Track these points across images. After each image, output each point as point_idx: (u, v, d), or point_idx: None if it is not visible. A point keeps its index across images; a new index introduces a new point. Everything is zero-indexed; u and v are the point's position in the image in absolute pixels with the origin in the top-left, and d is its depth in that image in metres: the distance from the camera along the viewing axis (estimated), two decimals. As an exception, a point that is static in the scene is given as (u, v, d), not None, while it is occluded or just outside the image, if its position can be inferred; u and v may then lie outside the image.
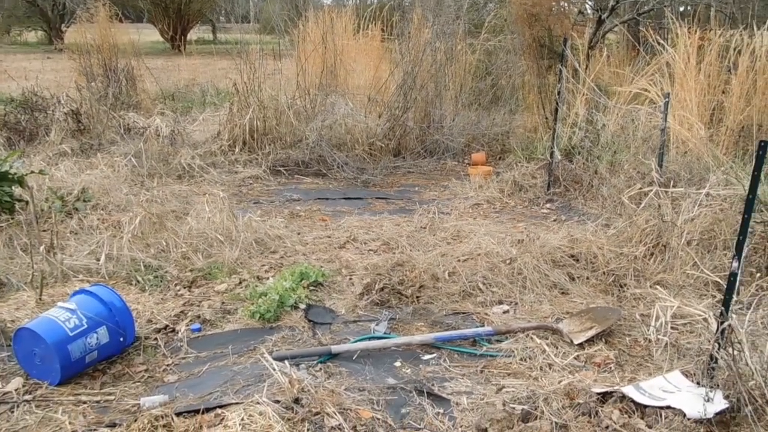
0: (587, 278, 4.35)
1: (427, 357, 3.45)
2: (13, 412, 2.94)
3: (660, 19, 9.24)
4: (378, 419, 2.81)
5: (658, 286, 4.09)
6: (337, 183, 7.32)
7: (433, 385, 3.13)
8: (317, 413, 2.76)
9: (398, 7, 9.88)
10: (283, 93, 8.43)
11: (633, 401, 2.85)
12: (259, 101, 8.03)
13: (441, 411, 2.91)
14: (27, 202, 5.32)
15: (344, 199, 6.67)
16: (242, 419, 2.68)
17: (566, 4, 9.55)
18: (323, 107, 8.24)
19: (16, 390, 3.10)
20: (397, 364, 3.36)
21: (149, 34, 22.51)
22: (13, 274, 4.30)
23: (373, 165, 7.69)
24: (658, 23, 9.10)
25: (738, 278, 2.86)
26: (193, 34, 29.16)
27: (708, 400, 2.77)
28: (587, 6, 10.16)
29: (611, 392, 2.93)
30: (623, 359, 3.42)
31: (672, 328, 3.60)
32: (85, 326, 3.25)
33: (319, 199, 6.63)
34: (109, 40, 10.20)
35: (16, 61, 18.81)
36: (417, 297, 4.12)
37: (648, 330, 3.64)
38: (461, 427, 2.80)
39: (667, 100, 5.58)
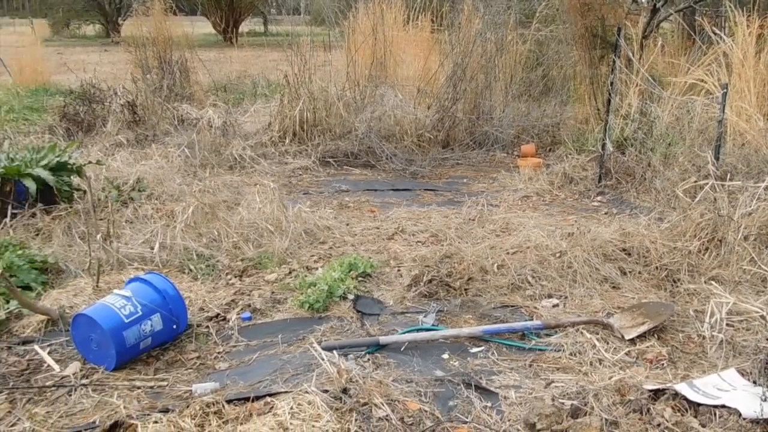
0: (639, 273, 4.25)
1: (475, 350, 3.43)
2: (71, 395, 3.02)
3: (717, 8, 8.94)
4: (425, 411, 2.80)
5: (713, 282, 3.97)
6: (385, 174, 7.32)
7: (481, 378, 3.11)
8: (365, 404, 2.78)
9: (448, -2, 9.80)
10: (333, 84, 8.47)
11: (686, 399, 2.78)
12: (309, 93, 8.08)
13: (489, 404, 2.89)
14: (85, 192, 5.49)
15: (392, 190, 6.67)
16: (291, 408, 2.70)
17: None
18: (372, 98, 8.25)
19: (74, 374, 3.19)
20: (445, 356, 3.35)
21: (202, 27, 22.89)
22: (71, 261, 4.43)
23: (422, 156, 7.67)
24: (715, 11, 8.81)
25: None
26: (244, 27, 29.59)
27: (765, 400, 2.67)
28: (642, -6, 9.89)
29: (664, 389, 2.86)
30: (676, 356, 3.33)
31: (727, 325, 3.50)
32: (140, 313, 3.32)
33: (367, 190, 6.65)
34: (164, 33, 10.41)
35: (75, 54, 19.38)
36: (465, 289, 4.09)
37: (702, 326, 3.53)
38: (509, 421, 2.78)
39: (724, 90, 5.40)
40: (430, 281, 4.10)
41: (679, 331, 3.58)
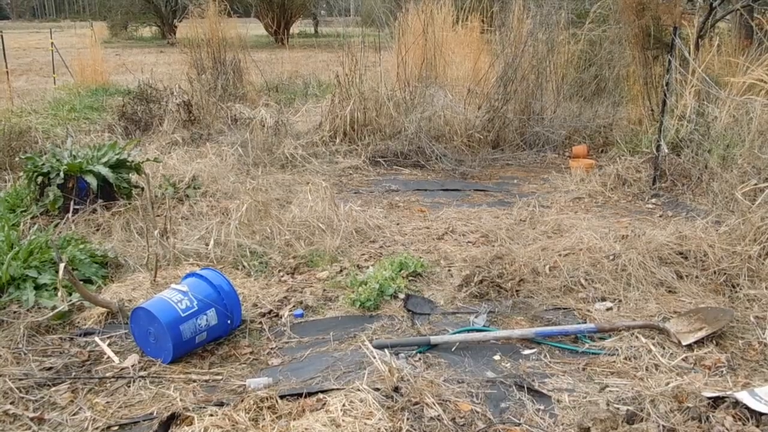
0: (696, 277, 4.14)
1: (527, 352, 3.40)
2: (129, 386, 3.10)
3: (777, 5, 8.67)
4: (477, 412, 2.80)
5: (774, 288, 3.85)
6: (435, 174, 7.32)
7: (533, 380, 3.09)
8: (416, 403, 2.78)
9: (498, -2, 9.74)
10: (383, 85, 8.51)
11: (747, 408, 2.69)
12: (359, 93, 8.14)
13: (541, 407, 2.87)
14: (143, 189, 5.64)
15: (442, 190, 6.66)
16: (343, 405, 2.72)
17: (676, -8, 9.10)
18: (422, 99, 8.25)
19: (132, 366, 3.27)
20: (497, 357, 3.33)
21: (254, 28, 23.22)
22: (130, 256, 4.56)
23: (472, 157, 7.64)
24: (774, 10, 8.54)
25: None
26: (295, 28, 29.92)
27: (829, 410, 2.60)
28: (698, -7, 9.64)
29: (723, 397, 2.78)
30: (736, 363, 3.24)
31: (790, 332, 3.39)
32: (196, 308, 3.38)
33: (417, 190, 6.65)
34: (218, 35, 10.62)
35: (132, 56, 19.94)
36: (516, 291, 4.06)
37: (764, 333, 3.43)
38: (563, 425, 2.75)
39: (786, 90, 5.23)
40: (480, 282, 4.08)
41: (738, 337, 3.48)
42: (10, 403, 2.93)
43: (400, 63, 8.70)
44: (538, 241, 4.75)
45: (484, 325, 3.68)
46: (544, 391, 3.00)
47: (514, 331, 3.52)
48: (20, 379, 3.11)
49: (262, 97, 10.19)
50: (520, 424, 2.75)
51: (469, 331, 3.59)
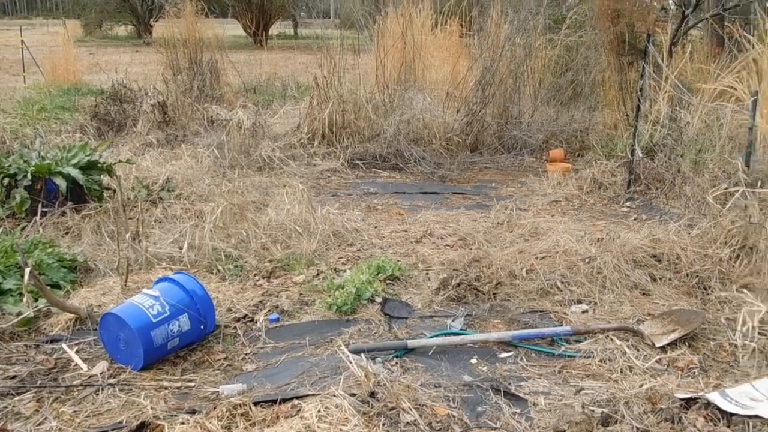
0: (669, 279, 4.19)
1: (503, 355, 3.40)
2: (98, 394, 3.01)
3: (747, 14, 8.82)
4: (453, 416, 2.79)
5: (744, 290, 3.89)
6: (413, 177, 7.32)
7: (509, 384, 3.09)
8: (393, 408, 2.77)
9: (477, 3, 9.78)
10: (362, 87, 8.50)
11: (719, 409, 2.73)
12: (338, 95, 8.13)
13: (518, 411, 2.87)
14: (115, 191, 5.54)
15: (421, 193, 6.67)
16: (318, 411, 2.69)
17: (650, 0, 9.24)
18: (401, 102, 8.26)
19: (101, 373, 3.18)
20: (473, 361, 3.33)
21: (233, 29, 23.10)
22: (100, 260, 4.45)
23: (450, 160, 7.66)
24: (744, 18, 8.69)
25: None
26: (274, 29, 29.81)
27: (799, 410, 2.64)
28: (671, 2, 9.81)
29: (695, 398, 2.81)
30: (708, 364, 3.28)
31: (760, 333, 3.41)
32: (168, 313, 3.32)
33: (395, 193, 6.65)
34: (195, 35, 10.52)
35: (107, 55, 19.68)
36: (494, 294, 4.07)
37: (734, 335, 3.47)
38: (538, 428, 2.75)
39: (755, 98, 5.32)
40: (458, 285, 4.08)
41: (710, 339, 3.52)
42: (-29, 414, 2.84)
43: (379, 66, 8.71)
44: (516, 244, 4.76)
45: (461, 329, 3.67)
46: (521, 395, 3.00)
47: (491, 335, 3.52)
48: (-18, 390, 3.02)
49: (239, 99, 10.13)
50: (496, 428, 2.75)
51: (446, 334, 3.58)
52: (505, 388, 3.03)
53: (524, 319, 3.80)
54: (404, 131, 7.81)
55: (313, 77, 8.34)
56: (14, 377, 3.15)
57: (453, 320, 3.77)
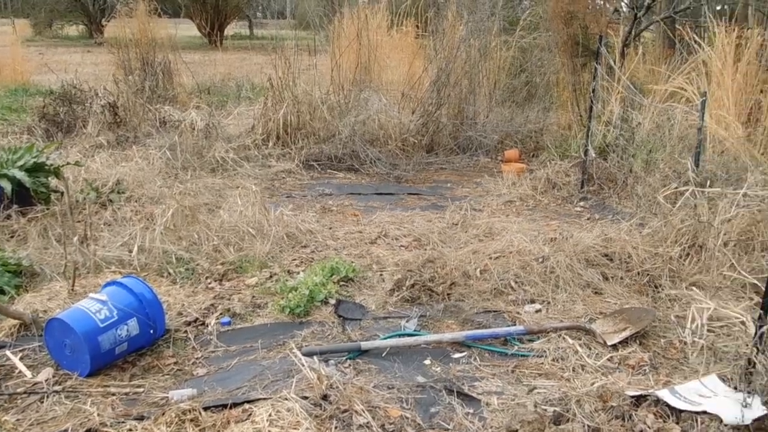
0: (621, 278, 4.25)
1: (457, 355, 3.40)
2: (42, 402, 2.95)
3: (697, 17, 9.04)
4: (407, 418, 2.77)
5: (693, 288, 3.98)
6: (369, 178, 7.31)
7: (463, 384, 3.09)
8: (345, 410, 2.75)
9: (433, 4, 9.83)
10: (318, 88, 8.46)
11: (668, 405, 2.77)
12: (293, 96, 8.07)
13: (471, 411, 2.87)
14: (62, 193, 5.40)
15: (376, 194, 6.65)
16: (270, 415, 2.66)
17: (602, 2, 9.42)
18: (357, 103, 8.23)
19: (46, 380, 3.12)
20: (427, 362, 3.32)
21: (187, 29, 22.77)
22: (47, 264, 4.35)
23: (406, 161, 7.67)
24: (695, 21, 8.90)
25: (777, 281, 2.76)
26: (230, 30, 29.51)
27: (746, 406, 2.68)
28: (623, 4, 10.00)
29: (646, 395, 2.85)
30: (658, 362, 3.33)
31: (708, 330, 3.50)
32: (116, 318, 3.26)
33: (351, 194, 6.62)
34: (148, 35, 10.35)
35: (57, 55, 19.20)
36: (448, 294, 4.07)
37: (683, 332, 3.53)
38: (491, 428, 2.75)
39: (703, 99, 5.45)
40: (412, 286, 4.07)
41: (660, 336, 3.58)
42: None
43: (334, 66, 8.67)
44: (470, 245, 4.78)
45: (415, 330, 3.66)
46: (474, 395, 3.00)
47: (445, 335, 3.52)
48: None
49: (192, 100, 9.96)
50: (449, 429, 2.75)
51: (400, 335, 3.57)
52: (459, 388, 3.03)
53: (478, 319, 3.81)
54: (360, 132, 7.78)
55: (267, 78, 8.26)
56: None
57: (407, 321, 3.76)
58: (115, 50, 10.43)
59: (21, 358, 3.31)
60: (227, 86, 12.27)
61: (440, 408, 2.89)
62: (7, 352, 3.36)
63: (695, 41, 7.02)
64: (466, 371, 3.24)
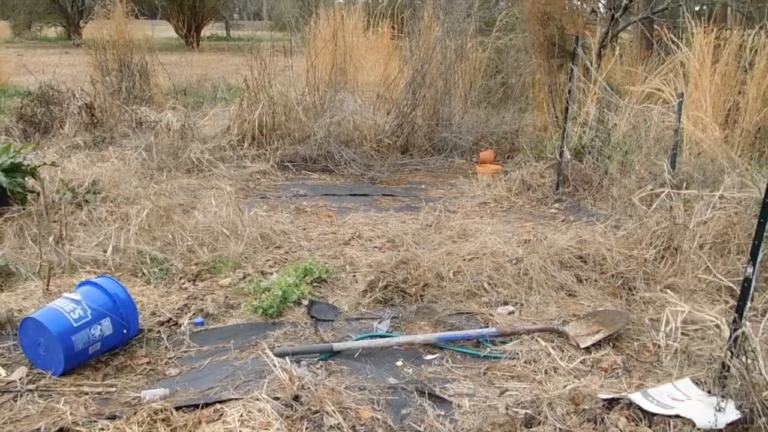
0: (595, 280, 4.27)
1: (429, 357, 3.41)
2: (16, 401, 2.95)
3: (675, 18, 9.13)
4: (377, 419, 2.77)
5: (668, 290, 3.98)
6: (344, 179, 7.31)
7: (434, 386, 3.09)
8: (316, 411, 2.74)
9: (409, 5, 9.84)
10: (293, 89, 8.44)
11: (640, 409, 2.78)
12: (269, 97, 8.04)
13: (442, 413, 2.87)
14: (38, 194, 5.37)
15: (350, 195, 6.65)
16: (241, 415, 2.66)
17: (579, 3, 9.47)
18: (332, 104, 8.23)
19: (20, 379, 3.12)
20: (399, 363, 3.32)
21: (164, 31, 22.61)
22: (22, 263, 4.34)
23: (381, 162, 7.67)
24: (672, 22, 8.98)
25: (753, 284, 2.76)
26: (206, 31, 29.39)
27: (719, 410, 2.70)
28: (600, 5, 10.08)
29: (618, 399, 2.87)
30: (631, 365, 3.34)
31: (682, 333, 3.50)
32: (90, 317, 3.27)
33: (325, 195, 6.62)
34: (125, 36, 10.29)
35: (36, 56, 19.09)
36: (421, 296, 4.07)
37: (657, 335, 3.54)
38: (462, 430, 2.75)
39: (680, 100, 5.46)
40: (385, 287, 4.07)
41: (634, 339, 3.59)
42: None
43: (310, 68, 8.65)
44: (444, 246, 4.79)
45: (387, 331, 3.66)
46: (445, 397, 3.00)
47: (417, 336, 3.52)
48: None
49: (169, 101, 9.90)
50: (420, 431, 2.74)
51: (372, 337, 3.57)
52: (430, 390, 3.03)
53: (451, 320, 3.81)
54: (335, 133, 7.78)
55: (243, 79, 8.23)
56: None
57: (379, 322, 3.76)
58: (93, 51, 10.38)
59: (-5, 358, 3.29)
60: (203, 87, 12.24)
61: (411, 410, 2.89)
62: (-20, 352, 3.34)
63: (673, 42, 7.04)
64: (438, 373, 3.25)
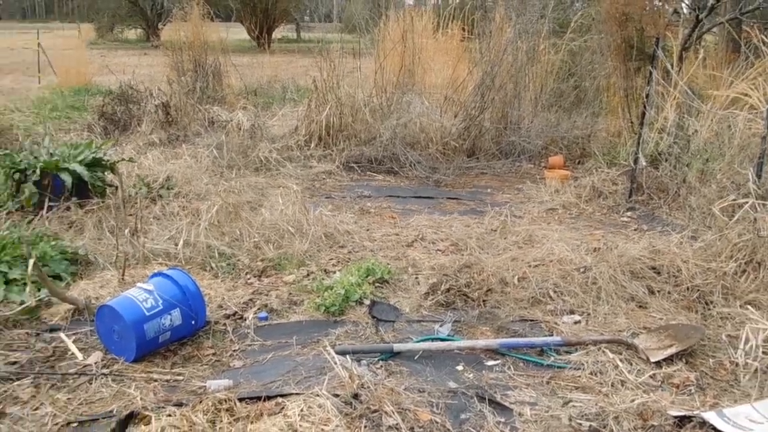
0: (669, 293, 4.07)
1: (490, 363, 3.34)
2: (91, 383, 3.07)
3: (766, 19, 8.68)
4: (436, 422, 2.73)
5: (749, 307, 3.76)
6: (408, 181, 7.28)
7: (495, 392, 3.03)
8: (375, 411, 2.73)
9: (480, 6, 9.75)
10: (361, 90, 8.48)
11: (714, 429, 2.64)
12: (336, 98, 8.11)
13: (502, 420, 2.80)
14: (117, 188, 5.62)
15: (415, 197, 6.61)
16: (301, 410, 2.67)
17: (661, 3, 9.13)
18: (399, 105, 8.22)
19: (95, 363, 3.25)
20: (459, 367, 3.27)
21: (237, 33, 23.22)
22: (100, 254, 4.52)
23: (446, 165, 7.61)
24: (763, 23, 8.53)
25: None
26: (278, 33, 29.97)
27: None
28: (683, 5, 9.66)
29: (690, 417, 2.73)
30: (705, 382, 3.17)
31: (763, 352, 3.29)
32: (161, 307, 3.36)
33: (389, 196, 6.61)
34: (200, 38, 10.65)
35: (117, 57, 19.96)
36: (484, 301, 4.00)
37: (735, 353, 3.34)
38: (523, 438, 2.69)
39: (770, 105, 5.18)
40: (447, 290, 4.02)
41: (709, 356, 3.40)
42: (-27, 396, 2.88)
43: (378, 69, 8.67)
44: (509, 251, 4.70)
45: (448, 335, 3.61)
46: (506, 404, 2.93)
47: (479, 342, 3.46)
48: (-15, 373, 3.06)
49: (240, 101, 10.16)
50: (479, 437, 2.69)
51: (432, 339, 3.53)
52: (491, 396, 2.97)
53: (514, 327, 3.73)
54: (401, 135, 7.76)
55: (312, 80, 8.33)
56: (15, 363, 3.24)
57: (441, 326, 3.71)
58: (170, 53, 10.78)
59: (74, 341, 3.45)
60: (273, 88, 12.46)
61: (471, 415, 2.83)
62: (62, 335, 3.51)
63: (764, 43, 6.66)
64: (499, 379, 3.18)
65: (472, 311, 3.89)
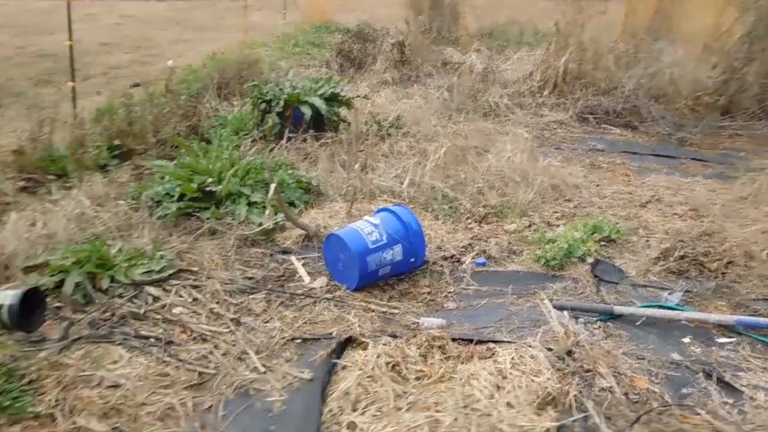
0: None
1: (723, 340, 3.07)
2: (315, 305, 3.32)
3: None
4: (654, 392, 2.60)
5: None
6: (647, 137, 6.78)
7: (725, 371, 2.79)
8: (588, 370, 2.67)
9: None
10: (606, 36, 7.95)
11: None
12: (578, 42, 7.69)
13: (730, 401, 2.59)
14: (350, 123, 5.92)
15: (653, 155, 6.15)
16: (512, 358, 2.69)
17: None
18: (648, 53, 7.60)
19: (320, 288, 3.51)
20: (686, 340, 3.06)
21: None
22: (330, 185, 4.83)
23: (694, 122, 6.94)
24: None
25: None
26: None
27: None
28: None
29: None
30: None
31: None
32: (384, 242, 3.49)
33: (624, 152, 6.21)
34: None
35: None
36: (722, 273, 3.65)
37: None
38: (753, 424, 2.46)
39: None
40: (681, 257, 3.74)
41: None
42: (216, 303, 3.28)
43: (629, 12, 8.03)
44: (759, 223, 4.21)
45: (677, 304, 3.38)
46: (736, 386, 2.70)
47: (711, 316, 3.20)
48: (226, 284, 3.46)
49: (474, 43, 10.07)
50: (700, 414, 2.51)
51: (659, 307, 3.33)
52: (719, 374, 2.74)
53: (755, 306, 3.38)
54: (646, 86, 7.20)
55: (554, 22, 7.98)
56: (251, 278, 3.60)
57: (670, 294, 3.47)
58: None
59: (303, 265, 3.76)
60: (510, 30, 12.14)
61: (694, 390, 2.65)
62: (293, 258, 3.83)
63: None
64: (730, 359, 2.92)
65: (707, 283, 3.58)
